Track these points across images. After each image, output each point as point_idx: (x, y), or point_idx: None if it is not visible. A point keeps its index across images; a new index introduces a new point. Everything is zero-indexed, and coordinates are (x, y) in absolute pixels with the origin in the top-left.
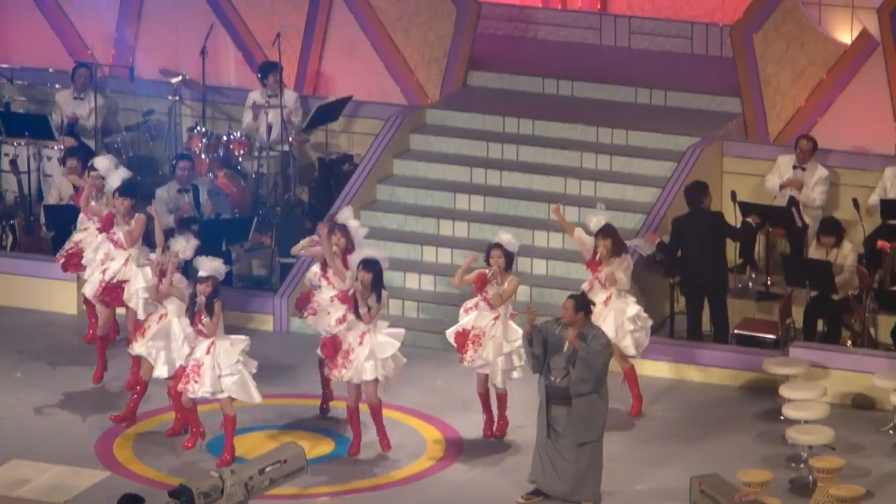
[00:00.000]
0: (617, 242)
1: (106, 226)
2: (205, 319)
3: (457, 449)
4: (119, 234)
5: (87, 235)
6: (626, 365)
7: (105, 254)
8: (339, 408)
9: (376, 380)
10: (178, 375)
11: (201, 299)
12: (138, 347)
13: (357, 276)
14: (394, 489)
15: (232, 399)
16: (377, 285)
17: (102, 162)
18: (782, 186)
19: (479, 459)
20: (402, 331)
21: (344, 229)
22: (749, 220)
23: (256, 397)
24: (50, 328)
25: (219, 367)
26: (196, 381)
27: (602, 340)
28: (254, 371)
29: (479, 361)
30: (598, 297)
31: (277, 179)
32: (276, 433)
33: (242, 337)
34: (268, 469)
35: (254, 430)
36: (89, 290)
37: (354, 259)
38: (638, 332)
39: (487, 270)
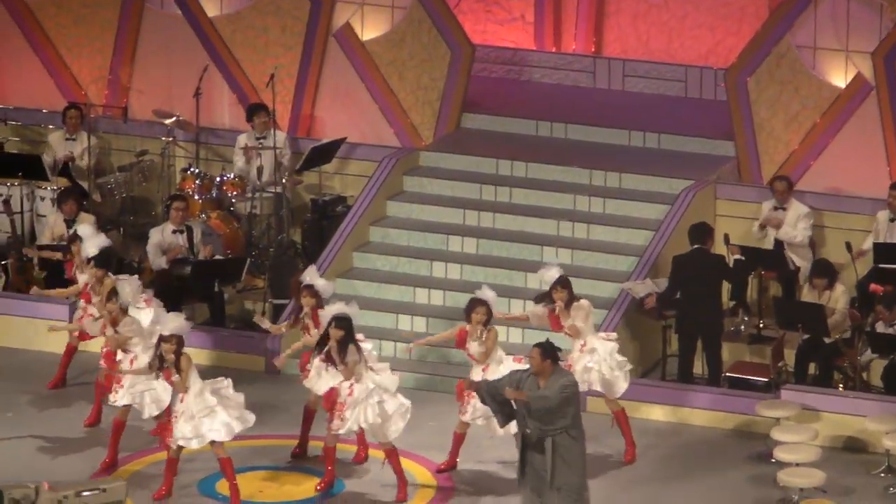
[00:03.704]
0: (571, 293)
1: (86, 298)
2: (174, 377)
3: (448, 488)
4: (95, 303)
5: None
6: (616, 408)
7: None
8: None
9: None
10: (159, 427)
11: (170, 357)
12: (122, 398)
13: (329, 332)
14: None
15: (219, 442)
16: (349, 340)
17: (85, 229)
18: (761, 226)
19: (472, 498)
20: (395, 378)
21: (311, 289)
22: (734, 255)
23: (222, 436)
24: (42, 368)
25: (195, 413)
26: (173, 430)
27: (560, 382)
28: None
29: (477, 413)
30: (574, 347)
31: (270, 221)
32: (268, 473)
33: (219, 379)
34: (85, 493)
35: (245, 471)
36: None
37: (324, 316)
38: (616, 370)
39: (468, 326)
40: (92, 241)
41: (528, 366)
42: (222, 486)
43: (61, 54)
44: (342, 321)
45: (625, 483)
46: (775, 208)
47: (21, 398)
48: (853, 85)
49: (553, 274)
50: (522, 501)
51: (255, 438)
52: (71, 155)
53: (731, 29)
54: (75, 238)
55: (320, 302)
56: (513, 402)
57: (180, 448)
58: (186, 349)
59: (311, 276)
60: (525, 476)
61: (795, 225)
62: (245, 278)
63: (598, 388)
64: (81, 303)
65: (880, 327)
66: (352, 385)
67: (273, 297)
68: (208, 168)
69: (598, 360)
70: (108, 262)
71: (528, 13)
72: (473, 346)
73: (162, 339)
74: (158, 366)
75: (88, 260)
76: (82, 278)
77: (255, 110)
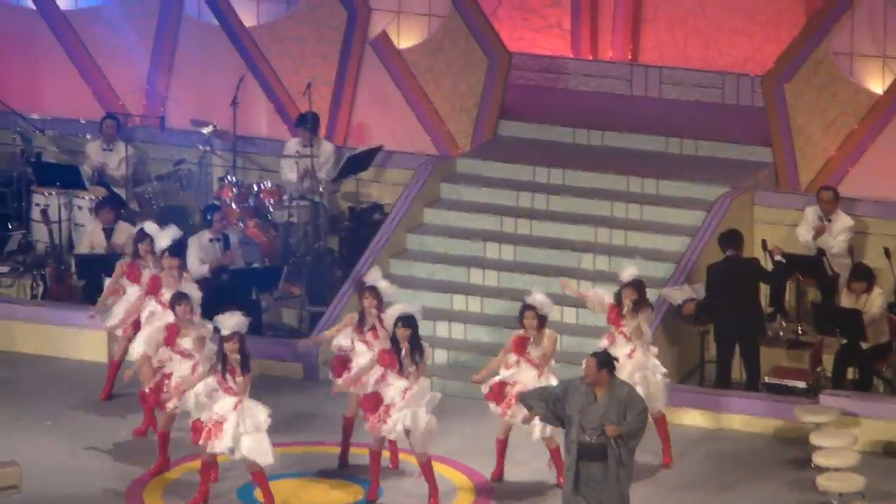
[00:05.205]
0: (642, 296)
1: (153, 288)
2: (238, 378)
3: (487, 495)
4: (166, 295)
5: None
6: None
7: (150, 312)
8: (359, 455)
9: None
10: (195, 429)
11: (235, 357)
12: (172, 402)
13: (397, 334)
14: None
15: None
16: (416, 339)
17: (151, 227)
18: (815, 238)
19: None
20: (438, 394)
21: (374, 290)
22: (776, 256)
23: (270, 459)
24: (80, 377)
25: (243, 426)
26: (217, 437)
27: (639, 406)
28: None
29: (519, 416)
30: (622, 349)
31: (308, 229)
32: (304, 480)
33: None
34: None
35: (282, 478)
36: (138, 349)
37: (389, 316)
38: (655, 385)
39: (523, 332)
40: (163, 233)
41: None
42: (261, 494)
43: (99, 64)
44: (408, 320)
45: (664, 489)
46: (820, 218)
47: (60, 407)
48: (891, 91)
49: (632, 272)
50: None
51: (293, 445)
52: (102, 164)
53: (768, 35)
54: (144, 237)
55: (382, 304)
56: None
57: (215, 454)
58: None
59: (374, 277)
60: (577, 487)
61: (836, 236)
62: (282, 286)
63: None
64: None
65: None
66: (406, 390)
67: (310, 305)
68: (245, 176)
69: (649, 375)
70: (183, 251)
71: (565, 21)
72: (533, 350)
73: (223, 338)
74: (221, 368)
75: (163, 252)
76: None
77: (312, 119)
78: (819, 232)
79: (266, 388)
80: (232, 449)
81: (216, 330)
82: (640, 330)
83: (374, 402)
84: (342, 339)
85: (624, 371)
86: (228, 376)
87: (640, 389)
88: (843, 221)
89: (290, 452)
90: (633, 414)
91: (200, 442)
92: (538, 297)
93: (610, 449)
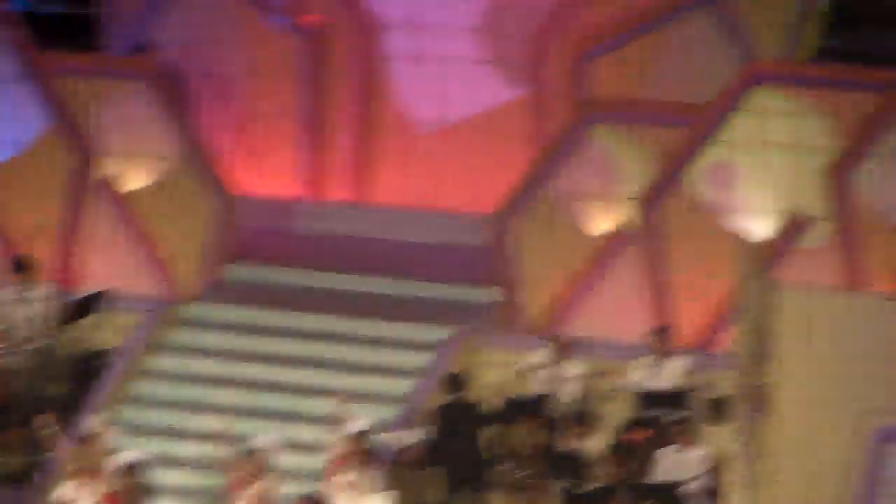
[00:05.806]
0: (365, 450)
1: None
2: None
3: None
4: None
5: None
6: None
7: None
8: None
9: None
10: None
11: None
12: None
13: (123, 482)
14: None
15: None
16: (141, 486)
17: None
18: (518, 375)
19: None
20: None
21: (96, 437)
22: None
23: None
24: None
25: None
26: None
27: None
28: None
29: None
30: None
31: (32, 375)
32: None
33: None
34: None
35: None
36: None
37: (114, 464)
38: None
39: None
40: None
41: None
42: None
43: None
44: (133, 467)
45: None
46: (550, 362)
47: None
48: (616, 231)
49: (362, 423)
50: None
51: None
52: None
53: (498, 176)
54: None
55: (106, 450)
56: None
57: None
58: None
59: (96, 424)
60: None
61: (569, 385)
62: (6, 434)
63: None
64: None
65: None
66: None
67: (34, 452)
68: None
69: None
70: None
71: (294, 161)
72: (248, 492)
73: None
74: None
75: None
76: None
77: (22, 264)
78: (552, 385)
79: None
80: None
81: None
82: (358, 483)
83: None
84: (64, 490)
85: None
86: None
87: None
88: (574, 369)
89: None
90: None
91: None
92: (260, 441)
93: None
